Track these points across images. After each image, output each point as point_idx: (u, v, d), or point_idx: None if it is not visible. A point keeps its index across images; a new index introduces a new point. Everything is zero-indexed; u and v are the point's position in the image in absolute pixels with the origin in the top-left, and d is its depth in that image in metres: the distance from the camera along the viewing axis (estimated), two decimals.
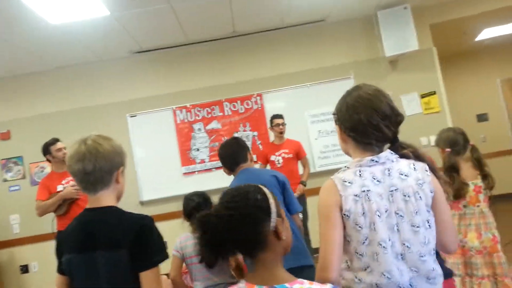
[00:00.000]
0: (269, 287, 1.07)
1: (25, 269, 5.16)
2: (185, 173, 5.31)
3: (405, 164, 1.29)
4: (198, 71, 5.44)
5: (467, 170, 2.68)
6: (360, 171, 1.26)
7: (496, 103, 7.42)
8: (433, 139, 5.16)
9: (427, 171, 1.29)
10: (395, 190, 1.24)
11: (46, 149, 3.94)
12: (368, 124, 1.26)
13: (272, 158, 4.59)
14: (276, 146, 4.67)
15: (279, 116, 4.68)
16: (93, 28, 4.39)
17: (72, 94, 5.39)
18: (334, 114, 1.39)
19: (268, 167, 4.64)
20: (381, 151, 1.29)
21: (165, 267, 1.73)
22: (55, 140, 3.97)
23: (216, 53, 5.44)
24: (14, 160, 5.29)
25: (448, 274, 1.87)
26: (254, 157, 4.64)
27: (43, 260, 5.04)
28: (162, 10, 4.27)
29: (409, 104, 5.34)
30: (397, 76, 5.39)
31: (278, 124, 4.63)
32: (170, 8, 4.26)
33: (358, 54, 5.43)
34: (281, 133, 4.64)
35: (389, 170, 1.26)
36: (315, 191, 5.19)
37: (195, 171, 5.33)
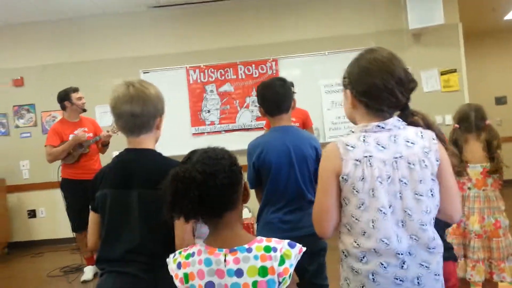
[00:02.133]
0: (230, 249, 1.10)
1: (32, 213, 5.30)
2: (194, 134, 5.31)
3: (412, 132, 1.26)
4: (215, 31, 5.32)
5: (475, 151, 2.50)
6: (364, 136, 1.24)
7: None
8: (448, 118, 5.13)
9: (434, 139, 1.26)
10: (400, 157, 1.22)
11: (66, 96, 3.92)
12: (384, 88, 1.21)
13: None
14: None
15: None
16: None
17: (87, 45, 5.35)
18: (344, 77, 1.34)
19: None
20: (390, 117, 1.26)
21: None
22: (76, 88, 3.96)
23: (235, 13, 5.30)
24: (26, 108, 5.32)
25: (452, 257, 1.85)
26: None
27: (50, 206, 5.17)
28: None
29: (428, 80, 5.20)
30: (419, 50, 5.22)
31: None
32: None
33: (381, 24, 5.26)
34: None
35: (395, 137, 1.23)
36: None
37: (204, 132, 5.31)
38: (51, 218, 5.20)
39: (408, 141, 1.23)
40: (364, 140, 1.23)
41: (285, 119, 2.11)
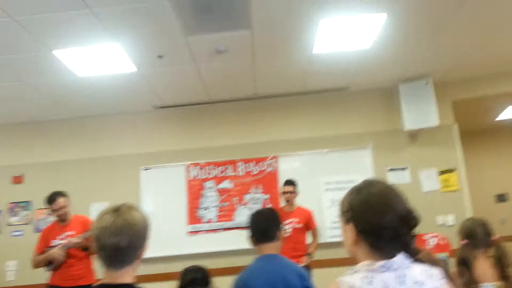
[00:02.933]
0: None
1: None
2: (190, 232, 5.15)
3: (419, 271, 1.17)
4: (216, 130, 5.46)
5: (485, 268, 2.36)
6: (370, 278, 1.13)
7: None
8: (450, 218, 5.02)
9: (442, 278, 1.17)
10: None
11: (48, 202, 3.91)
12: (392, 229, 1.15)
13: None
14: (285, 214, 4.48)
15: (289, 183, 4.52)
16: (118, 82, 4.51)
17: (90, 143, 5.45)
18: (345, 211, 1.25)
19: None
20: (393, 256, 1.16)
21: None
22: (56, 196, 3.89)
23: (236, 113, 5.48)
24: (22, 205, 5.24)
25: None
26: None
27: None
28: (188, 70, 4.36)
29: (427, 180, 5.18)
30: (416, 150, 5.29)
31: (286, 192, 4.49)
32: (196, 69, 4.36)
33: (377, 125, 5.39)
34: (288, 201, 4.50)
35: (402, 278, 1.13)
36: (323, 263, 4.93)
37: (201, 231, 5.16)
38: None
39: (416, 282, 1.13)
40: (370, 282, 1.13)
41: (273, 247, 2.18)
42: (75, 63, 3.94)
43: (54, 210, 3.89)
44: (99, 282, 1.40)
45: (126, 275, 1.38)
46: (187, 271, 2.42)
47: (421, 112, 5.07)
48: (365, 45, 4.09)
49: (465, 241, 2.45)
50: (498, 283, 2.33)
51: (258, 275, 2.07)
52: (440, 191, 5.15)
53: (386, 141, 5.33)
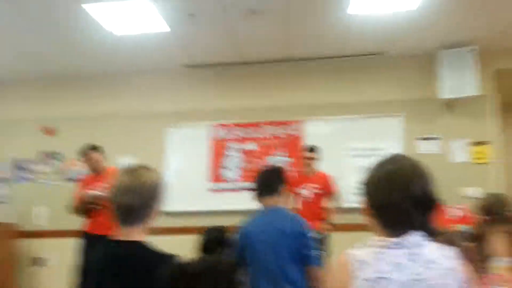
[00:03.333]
0: None
1: (40, 262, 5.24)
2: (214, 190, 5.23)
3: (434, 250, 1.11)
4: (245, 91, 5.40)
5: (500, 244, 2.25)
6: (381, 253, 1.11)
7: None
8: (477, 191, 4.82)
9: (458, 259, 1.12)
10: (419, 280, 1.07)
11: (82, 153, 4.10)
12: (397, 207, 1.12)
13: (301, 190, 4.38)
14: (306, 178, 4.45)
15: (310, 149, 4.47)
16: (150, 40, 4.50)
17: (119, 99, 5.54)
18: (361, 186, 1.24)
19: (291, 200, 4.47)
20: (409, 234, 1.13)
21: None
22: (88, 151, 4.06)
23: (266, 75, 5.38)
24: (54, 156, 5.46)
25: None
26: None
27: (62, 256, 5.09)
28: (220, 29, 4.27)
29: (457, 151, 4.96)
30: (451, 120, 5.03)
31: (306, 157, 4.43)
32: (227, 28, 4.25)
33: (412, 92, 5.14)
34: (309, 165, 4.43)
35: (414, 256, 1.09)
36: (344, 227, 4.89)
37: (224, 189, 5.23)
38: (62, 267, 5.12)
39: (429, 261, 1.09)
40: (380, 257, 1.10)
41: (275, 201, 2.26)
42: (107, 19, 3.91)
43: (86, 163, 4.05)
44: (111, 238, 1.46)
45: (137, 233, 1.43)
46: (209, 230, 2.49)
47: (460, 81, 4.79)
48: (411, 6, 3.84)
49: (483, 217, 2.37)
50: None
51: (253, 229, 2.17)
52: (470, 163, 4.92)
53: (420, 109, 5.09)
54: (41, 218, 5.33)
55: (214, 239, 2.42)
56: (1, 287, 4.98)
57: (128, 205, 1.39)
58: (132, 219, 1.41)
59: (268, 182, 2.29)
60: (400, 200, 1.11)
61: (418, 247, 1.11)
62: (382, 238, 1.14)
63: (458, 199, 4.70)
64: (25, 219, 5.30)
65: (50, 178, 5.43)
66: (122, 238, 1.43)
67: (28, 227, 5.28)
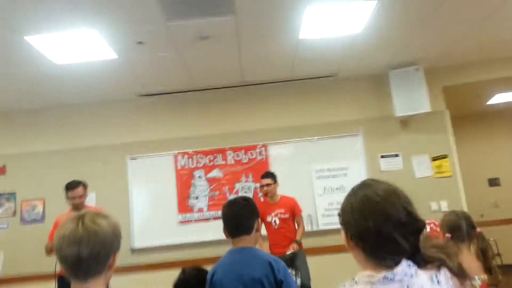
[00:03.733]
0: None
1: None
2: (181, 222, 5.08)
3: (426, 278, 1.07)
4: (203, 118, 5.34)
5: (470, 261, 2.27)
6: None
7: (509, 167, 7.19)
8: (443, 204, 4.99)
9: (449, 283, 1.09)
10: None
11: (67, 188, 3.94)
12: (378, 234, 1.04)
13: (268, 219, 4.30)
14: (271, 206, 4.37)
15: (266, 175, 4.40)
16: (98, 69, 4.34)
17: (73, 132, 5.29)
18: (338, 214, 1.18)
19: (263, 228, 4.39)
20: (396, 263, 1.07)
21: None
22: (76, 184, 3.94)
23: (222, 100, 5.36)
24: (6, 196, 5.10)
25: None
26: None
27: None
28: (170, 56, 4.22)
29: (419, 166, 5.14)
30: (408, 136, 5.23)
31: (263, 185, 4.35)
32: (178, 56, 4.22)
33: (368, 111, 5.31)
34: (266, 194, 4.37)
35: None
36: (317, 251, 4.91)
37: (192, 220, 5.09)
38: None
39: None
40: None
41: (246, 240, 2.08)
42: (51, 50, 3.76)
43: (70, 198, 3.89)
44: None
45: (95, 287, 1.28)
46: (186, 271, 2.27)
47: (412, 99, 5.00)
48: (355, 30, 3.98)
49: (448, 235, 2.38)
50: (484, 276, 2.26)
51: (225, 270, 2.01)
52: (433, 177, 5.10)
53: (377, 127, 5.26)
54: None
55: (191, 280, 2.23)
56: None
57: (76, 257, 1.23)
58: (84, 273, 1.26)
59: (240, 220, 2.08)
60: (380, 225, 1.05)
61: (410, 278, 1.05)
62: (370, 273, 1.07)
63: (427, 214, 4.82)
64: None
65: (3, 221, 5.06)
66: None
67: None
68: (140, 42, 3.81)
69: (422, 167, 5.13)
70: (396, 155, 5.20)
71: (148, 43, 3.85)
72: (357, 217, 1.08)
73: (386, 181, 1.14)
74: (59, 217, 3.90)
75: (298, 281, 3.90)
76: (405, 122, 5.23)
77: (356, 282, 1.08)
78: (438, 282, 1.07)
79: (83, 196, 3.94)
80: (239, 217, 2.09)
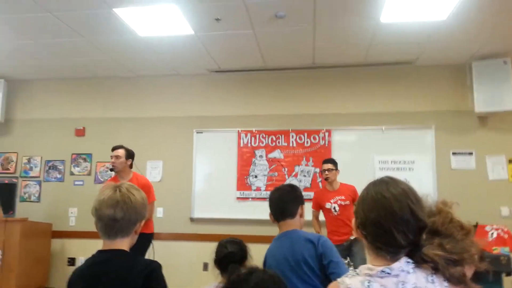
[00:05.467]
0: None
1: (72, 261, 5.33)
2: (238, 198, 5.22)
3: (422, 277, 1.12)
4: (270, 98, 5.37)
5: None
6: (369, 282, 1.12)
7: None
8: None
9: (446, 286, 1.12)
10: None
11: (112, 149, 4.17)
12: (377, 224, 1.13)
13: (327, 205, 4.31)
14: (330, 193, 4.37)
15: (327, 161, 4.42)
16: (175, 44, 4.53)
17: (146, 102, 5.58)
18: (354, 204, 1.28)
19: (322, 215, 4.43)
20: (395, 258, 1.14)
21: None
22: (118, 147, 4.16)
23: (291, 82, 5.35)
24: (83, 157, 5.56)
25: None
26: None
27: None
28: (245, 35, 4.27)
29: (494, 168, 4.78)
30: (485, 135, 4.88)
31: (324, 170, 4.36)
32: (253, 34, 4.25)
33: (443, 104, 5.01)
34: (326, 179, 4.37)
35: (403, 284, 1.11)
36: None
37: (249, 198, 5.21)
38: None
39: None
40: (368, 286, 1.12)
41: (290, 224, 2.16)
42: (136, 22, 4.00)
43: (111, 157, 4.11)
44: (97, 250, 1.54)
45: (119, 245, 1.50)
46: (224, 245, 2.33)
47: (495, 94, 4.64)
48: (441, 16, 3.75)
49: None
50: None
51: (273, 257, 2.11)
52: (508, 181, 4.74)
53: (452, 122, 4.95)
54: (72, 219, 5.42)
55: (229, 254, 2.27)
56: (38, 286, 5.08)
57: (111, 217, 1.46)
58: (115, 232, 1.49)
59: (284, 206, 2.16)
60: (381, 218, 1.13)
61: (406, 275, 1.11)
62: (370, 266, 1.16)
63: (496, 219, 4.50)
64: (58, 219, 5.40)
65: (80, 179, 5.53)
66: (103, 248, 1.52)
67: (61, 227, 5.38)
68: (217, 19, 3.89)
69: (497, 169, 4.76)
70: (470, 153, 4.87)
71: (225, 20, 3.92)
72: (365, 208, 1.18)
73: (404, 181, 1.21)
74: (106, 182, 4.21)
75: (351, 269, 3.87)
76: (484, 119, 4.87)
77: (357, 273, 1.17)
78: (432, 281, 1.12)
79: (121, 157, 4.08)
80: (284, 202, 2.17)
